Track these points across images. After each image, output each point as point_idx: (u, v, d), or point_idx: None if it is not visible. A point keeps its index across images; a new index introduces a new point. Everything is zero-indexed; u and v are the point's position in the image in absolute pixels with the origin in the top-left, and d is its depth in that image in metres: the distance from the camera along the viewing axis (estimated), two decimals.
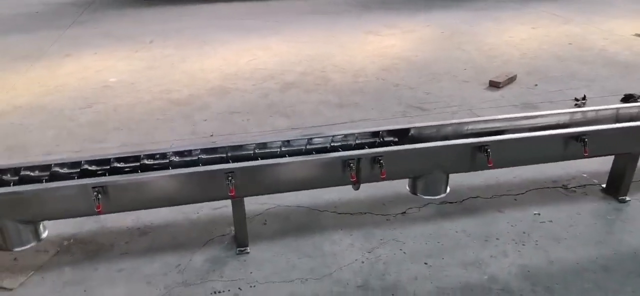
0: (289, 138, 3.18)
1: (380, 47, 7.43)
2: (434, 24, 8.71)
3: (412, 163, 3.00)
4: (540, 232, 3.26)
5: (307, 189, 3.11)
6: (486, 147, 2.99)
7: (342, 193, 3.58)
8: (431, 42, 7.69)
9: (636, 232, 3.26)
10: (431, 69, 6.40)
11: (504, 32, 8.20)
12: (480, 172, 3.46)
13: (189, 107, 5.31)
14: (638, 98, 5.28)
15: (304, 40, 7.83)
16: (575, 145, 3.13)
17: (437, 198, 3.29)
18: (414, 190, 3.20)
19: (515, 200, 3.62)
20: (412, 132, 3.29)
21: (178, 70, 6.52)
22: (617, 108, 3.66)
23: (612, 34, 8.15)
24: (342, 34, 8.17)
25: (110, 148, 4.34)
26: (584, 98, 5.35)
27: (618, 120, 3.61)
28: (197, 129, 4.81)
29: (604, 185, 3.73)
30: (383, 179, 2.91)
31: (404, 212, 3.48)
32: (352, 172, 2.85)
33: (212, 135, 4.67)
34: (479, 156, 3.01)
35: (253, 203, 3.51)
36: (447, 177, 3.19)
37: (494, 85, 5.76)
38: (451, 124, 3.35)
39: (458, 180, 3.67)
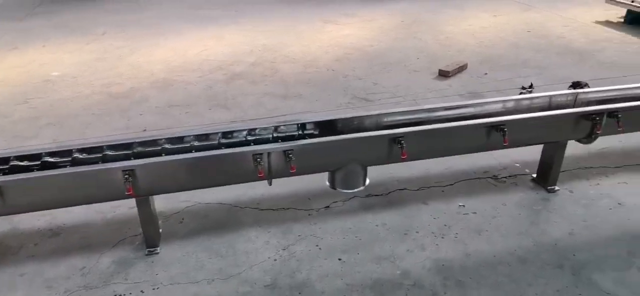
0: (206, 132, 3.06)
1: (337, 36, 7.32)
2: (396, 13, 8.61)
3: (324, 157, 2.91)
4: (462, 224, 3.20)
5: (216, 186, 3.01)
6: (400, 139, 2.90)
7: (267, 188, 3.47)
8: (389, 31, 7.59)
9: (560, 222, 3.21)
10: (384, 59, 6.31)
11: (465, 21, 8.13)
12: (411, 163, 3.40)
13: (127, 101, 5.17)
14: (585, 85, 5.22)
15: (261, 30, 7.70)
16: (496, 135, 3.06)
17: (355, 191, 3.20)
18: (332, 184, 3.11)
19: (443, 191, 3.55)
20: (338, 124, 3.20)
21: (125, 62, 6.35)
22: (550, 96, 3.59)
23: (573, 21, 8.12)
24: (301, 23, 8.05)
25: (41, 144, 4.19)
26: (530, 86, 5.26)
27: (550, 108, 3.55)
28: (131, 124, 4.68)
29: (534, 175, 3.67)
30: (293, 174, 2.82)
31: (328, 206, 3.40)
32: (260, 167, 2.75)
33: (145, 130, 4.54)
34: (394, 148, 2.93)
35: (173, 201, 3.41)
36: (365, 170, 3.10)
37: (443, 74, 5.69)
38: (372, 115, 3.25)
39: (387, 171, 3.61)
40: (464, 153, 3.31)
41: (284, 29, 7.73)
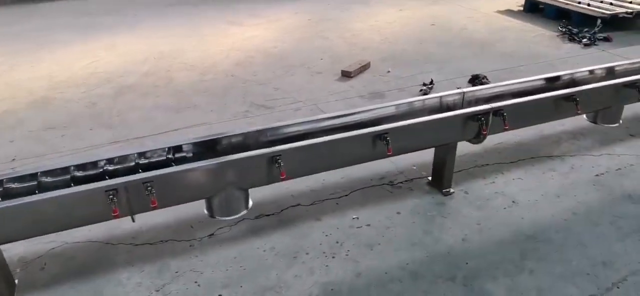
0: (53, 167, 2.67)
1: (240, 39, 7.00)
2: (303, 12, 8.41)
3: (192, 185, 2.61)
4: (354, 240, 3.01)
5: (65, 230, 2.63)
6: (277, 158, 2.65)
7: (146, 218, 3.11)
8: (295, 31, 7.37)
9: (454, 228, 3.10)
10: (287, 61, 6.07)
11: (371, 17, 8.06)
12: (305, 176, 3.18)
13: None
14: (483, 78, 5.25)
15: (159, 36, 7.23)
16: (380, 145, 2.89)
17: (238, 217, 2.93)
18: (210, 212, 2.82)
19: (337, 204, 3.36)
20: (221, 143, 2.91)
21: (1, 81, 5.70)
22: (440, 97, 3.48)
23: (477, 11, 8.27)
24: (204, 26, 7.65)
25: None
26: (431, 82, 5.24)
27: (441, 109, 3.44)
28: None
29: (430, 178, 3.56)
30: (155, 208, 2.50)
31: (212, 234, 3.10)
32: (113, 205, 2.41)
33: (14, 159, 4.03)
34: (273, 168, 2.68)
35: (37, 242, 2.99)
36: (246, 193, 2.84)
37: (345, 75, 5.53)
38: (252, 132, 2.99)
39: (283, 186, 3.37)
40: (347, 166, 3.11)
41: (184, 34, 7.31)
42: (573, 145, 4.04)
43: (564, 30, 6.96)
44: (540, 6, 8.04)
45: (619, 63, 4.14)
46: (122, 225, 3.15)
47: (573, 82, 3.95)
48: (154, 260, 2.90)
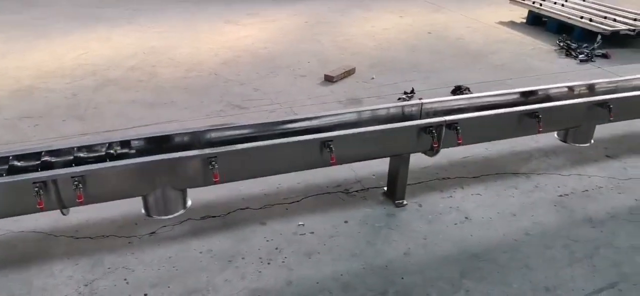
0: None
1: (234, 37, 7.01)
2: (302, 13, 8.38)
3: (123, 183, 2.60)
4: (294, 247, 2.96)
5: None
6: (212, 160, 2.63)
7: (92, 211, 3.11)
8: (289, 32, 7.35)
9: (398, 241, 3.03)
10: (274, 62, 6.05)
11: (370, 21, 7.99)
12: (261, 179, 3.16)
13: None
14: (465, 90, 5.15)
15: (155, 31, 7.28)
16: (324, 152, 2.84)
17: (174, 217, 2.90)
18: (147, 211, 2.80)
19: (287, 209, 3.32)
20: (177, 139, 2.90)
21: None
22: (388, 108, 3.39)
23: (477, 22, 8.14)
24: (201, 23, 7.68)
25: None
26: (412, 92, 5.16)
27: (395, 119, 3.37)
28: None
29: (386, 188, 3.50)
30: (81, 204, 2.50)
31: (154, 232, 3.09)
32: (39, 198, 2.41)
33: None
34: (206, 170, 2.65)
35: None
36: (184, 193, 2.82)
37: (328, 79, 5.49)
38: (199, 131, 2.97)
39: (236, 188, 3.35)
40: (288, 172, 3.06)
41: (180, 30, 7.35)
42: (543, 163, 3.92)
43: (562, 44, 6.79)
44: (543, 19, 7.87)
45: (598, 81, 4.01)
46: (69, 218, 3.16)
47: (547, 98, 3.84)
48: (91, 255, 2.90)
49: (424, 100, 3.38)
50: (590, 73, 5.95)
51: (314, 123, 3.11)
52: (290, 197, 3.43)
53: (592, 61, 6.36)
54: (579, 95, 3.84)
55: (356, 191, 3.52)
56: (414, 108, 3.33)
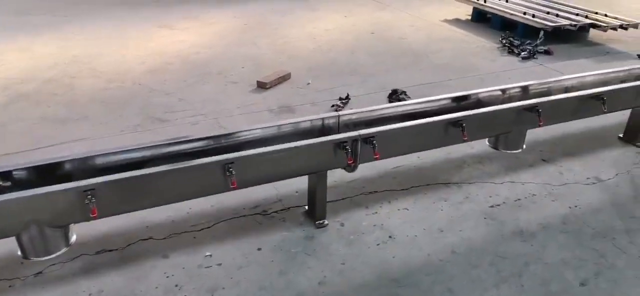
0: None
1: (167, 43, 6.62)
2: (243, 15, 8.05)
3: None
4: (196, 283, 2.66)
5: None
6: (89, 193, 2.29)
7: None
8: (227, 36, 7.00)
9: (315, 268, 2.76)
10: (206, 69, 5.71)
11: (313, 22, 7.72)
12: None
13: None
14: (401, 94, 4.94)
15: (82, 38, 6.81)
16: (222, 177, 2.54)
17: (56, 256, 2.55)
18: (23, 252, 2.45)
19: (195, 238, 3.00)
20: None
21: None
22: (299, 122, 3.10)
23: (422, 20, 7.99)
24: (132, 29, 7.25)
25: None
26: (347, 97, 4.92)
27: (316, 133, 3.10)
28: None
29: (307, 207, 3.23)
30: None
31: (40, 272, 2.73)
32: None
33: None
34: (83, 204, 2.31)
35: None
36: (65, 228, 2.47)
37: (261, 86, 5.19)
38: (77, 159, 2.62)
39: (138, 215, 2.98)
40: (183, 201, 2.75)
41: (109, 37, 6.90)
42: (476, 170, 3.73)
43: (504, 42, 6.68)
44: (488, 16, 7.77)
45: (529, 83, 3.85)
46: None
47: (478, 103, 3.65)
48: None
49: (341, 112, 3.12)
50: (532, 71, 5.85)
51: (219, 142, 2.80)
52: (200, 223, 3.12)
53: (534, 58, 6.27)
54: (509, 99, 3.66)
55: (275, 212, 3.24)
56: (330, 121, 3.06)
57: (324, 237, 3.01)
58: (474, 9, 8.00)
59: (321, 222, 3.09)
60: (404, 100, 4.78)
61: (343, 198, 3.38)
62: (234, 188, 2.55)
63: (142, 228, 3.07)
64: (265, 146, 2.70)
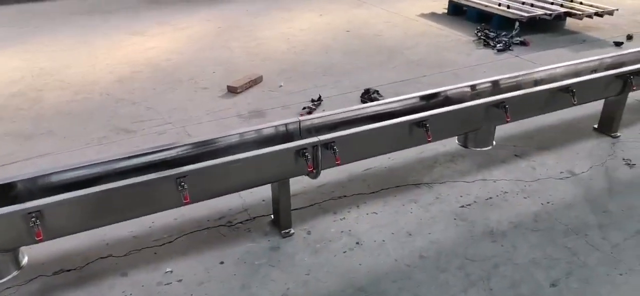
0: None
1: (136, 50, 6.48)
2: (216, 18, 7.92)
3: None
4: None
5: None
6: (33, 216, 2.18)
7: None
8: (199, 40, 6.88)
9: (278, 280, 2.68)
10: (175, 75, 5.59)
11: (287, 23, 7.62)
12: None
13: None
14: (373, 93, 4.86)
15: (50, 49, 6.65)
16: (174, 192, 2.45)
17: (7, 280, 2.45)
18: None
19: (156, 253, 2.90)
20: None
21: None
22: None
23: (398, 15, 7.92)
24: (102, 37, 7.09)
25: None
26: (319, 99, 4.83)
27: (279, 139, 3.01)
28: None
29: (273, 216, 3.14)
30: None
31: None
32: None
33: None
34: (28, 226, 2.21)
35: None
36: (15, 252, 2.37)
37: (231, 91, 5.08)
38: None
39: (95, 233, 2.84)
40: (135, 218, 2.65)
41: (78, 46, 6.74)
42: (447, 169, 3.66)
43: (480, 34, 6.62)
44: (464, 9, 7.71)
45: (499, 77, 3.78)
46: None
47: (446, 100, 3.57)
48: None
49: (302, 118, 3.04)
50: (507, 63, 5.79)
51: (171, 154, 2.70)
52: (162, 238, 3.02)
53: (510, 50, 6.23)
54: (478, 95, 3.59)
55: (241, 222, 3.15)
56: (291, 127, 2.97)
57: (289, 247, 2.92)
58: (450, 2, 7.94)
59: (287, 231, 3.00)
60: (377, 99, 4.70)
61: (311, 205, 3.29)
62: (187, 203, 2.45)
63: (102, 245, 2.96)
64: (225, 156, 2.61)
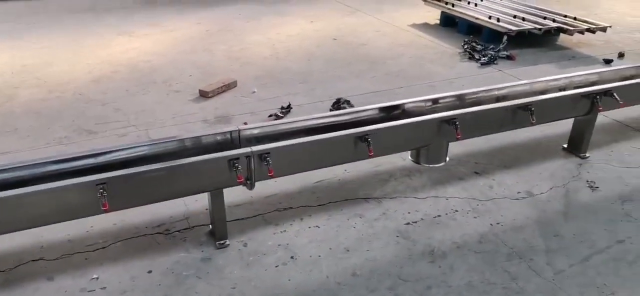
0: None
1: (120, 50, 6.50)
2: (207, 21, 7.93)
3: None
4: None
5: None
6: None
7: None
8: (184, 43, 6.88)
9: (202, 293, 2.64)
10: (151, 77, 5.59)
11: (277, 28, 7.59)
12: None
13: None
14: (343, 103, 4.79)
15: (38, 46, 6.71)
16: (94, 198, 2.41)
17: None
18: None
19: (86, 259, 2.87)
20: None
21: None
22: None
23: (390, 25, 7.84)
24: (90, 36, 7.14)
25: None
26: (288, 107, 4.78)
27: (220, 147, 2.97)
28: None
29: (211, 226, 3.09)
30: None
31: None
32: None
33: None
34: None
35: None
36: None
37: (203, 94, 5.05)
38: None
39: (31, 234, 2.82)
40: (53, 224, 2.61)
41: (64, 44, 6.79)
42: (402, 184, 3.58)
43: (466, 47, 6.52)
44: (456, 20, 7.61)
45: (464, 92, 3.72)
46: None
47: (403, 114, 3.50)
48: None
49: (242, 127, 2.98)
50: (489, 77, 5.69)
51: (102, 160, 2.67)
52: (97, 243, 2.99)
53: (494, 64, 6.11)
54: (437, 109, 3.51)
55: (178, 231, 3.10)
56: (231, 136, 2.92)
57: (221, 259, 2.87)
58: (442, 13, 7.85)
59: (222, 242, 2.95)
60: (346, 108, 4.63)
61: (255, 215, 3.24)
62: (106, 211, 2.41)
63: (36, 247, 2.94)
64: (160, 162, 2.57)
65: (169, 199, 2.74)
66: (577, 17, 7.11)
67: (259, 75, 5.68)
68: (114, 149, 2.70)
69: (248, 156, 2.64)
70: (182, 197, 2.77)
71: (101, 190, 2.39)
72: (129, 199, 2.52)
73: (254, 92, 5.21)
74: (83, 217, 2.58)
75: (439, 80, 5.56)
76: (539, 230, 3.13)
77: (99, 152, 2.68)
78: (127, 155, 2.71)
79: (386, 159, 3.71)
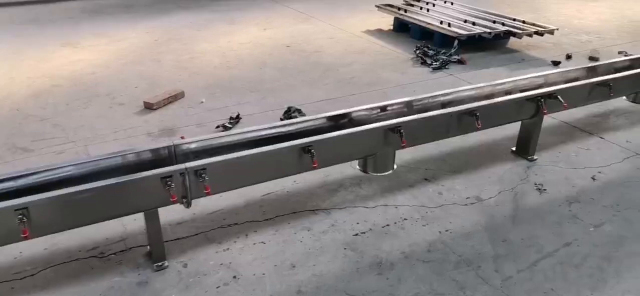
0: None
1: (63, 63, 6.21)
2: (157, 30, 7.70)
3: None
4: None
5: None
6: None
7: None
8: (131, 53, 6.64)
9: None
10: (94, 90, 5.35)
11: (228, 36, 7.44)
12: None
13: None
14: (293, 112, 4.69)
15: None
16: (14, 224, 2.22)
17: None
18: None
19: (13, 288, 2.67)
20: None
21: None
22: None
23: (344, 31, 7.80)
24: (34, 48, 6.81)
25: None
26: (237, 117, 4.65)
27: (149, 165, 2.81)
28: None
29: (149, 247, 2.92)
30: None
31: None
32: None
33: None
34: None
35: None
36: None
37: (148, 107, 4.86)
38: None
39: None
40: None
41: (5, 57, 6.45)
42: (351, 193, 3.51)
43: (418, 52, 6.53)
44: (409, 26, 7.63)
45: (412, 98, 3.66)
46: None
47: (350, 122, 3.43)
48: None
49: (178, 141, 2.84)
50: (440, 82, 5.70)
51: (20, 183, 2.48)
52: (25, 270, 2.78)
53: (445, 68, 6.14)
54: (383, 117, 3.45)
55: (114, 253, 2.93)
56: (164, 152, 2.77)
57: (159, 282, 2.71)
58: (395, 18, 7.87)
59: (160, 264, 2.79)
60: (296, 118, 4.53)
61: (197, 233, 3.09)
62: (26, 238, 2.23)
63: None
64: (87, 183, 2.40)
65: (98, 222, 2.57)
66: (525, 20, 7.25)
67: (208, 84, 5.53)
68: (36, 171, 2.52)
69: (182, 173, 2.50)
70: (113, 219, 2.61)
71: (20, 216, 2.20)
72: (54, 224, 2.34)
73: (202, 102, 5.05)
74: (2, 246, 2.38)
75: (391, 86, 5.54)
76: (488, 236, 3.11)
77: (19, 174, 2.48)
78: (51, 176, 2.52)
79: (336, 168, 3.63)
